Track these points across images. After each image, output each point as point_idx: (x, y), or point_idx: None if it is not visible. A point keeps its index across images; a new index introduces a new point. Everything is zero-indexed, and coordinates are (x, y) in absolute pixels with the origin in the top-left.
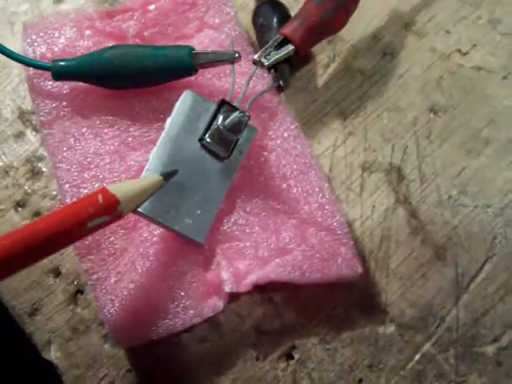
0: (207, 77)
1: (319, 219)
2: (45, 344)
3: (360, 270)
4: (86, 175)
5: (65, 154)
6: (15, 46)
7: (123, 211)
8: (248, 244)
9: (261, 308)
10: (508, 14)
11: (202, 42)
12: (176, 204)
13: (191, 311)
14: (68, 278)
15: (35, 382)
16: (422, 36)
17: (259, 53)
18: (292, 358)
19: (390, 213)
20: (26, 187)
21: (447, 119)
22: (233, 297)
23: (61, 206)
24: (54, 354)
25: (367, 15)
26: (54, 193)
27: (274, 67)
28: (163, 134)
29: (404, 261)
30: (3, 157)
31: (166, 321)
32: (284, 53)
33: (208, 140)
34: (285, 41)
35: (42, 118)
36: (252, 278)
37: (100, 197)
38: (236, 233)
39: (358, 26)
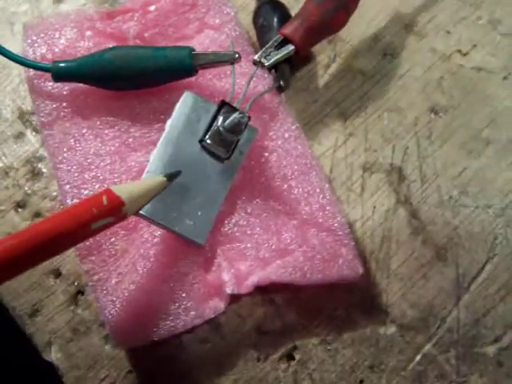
0: (207, 77)
1: (320, 220)
2: (45, 345)
3: (361, 270)
4: (86, 176)
5: (65, 154)
6: (15, 46)
7: (127, 212)
8: (249, 245)
9: (262, 309)
10: (508, 14)
11: (203, 42)
12: (177, 205)
13: (192, 312)
14: (68, 278)
15: (36, 383)
16: (423, 36)
17: (259, 53)
18: (293, 358)
19: (391, 213)
20: (26, 188)
21: (448, 120)
22: (234, 298)
23: (61, 206)
24: (54, 355)
25: (367, 15)
26: (55, 193)
27: (274, 67)
28: (163, 135)
29: (405, 261)
30: (3, 157)
31: (167, 322)
32: (284, 53)
33: (208, 141)
34: (285, 41)
35: (43, 119)
36: (253, 279)
37: (104, 198)
38: (237, 234)
39: (359, 27)
